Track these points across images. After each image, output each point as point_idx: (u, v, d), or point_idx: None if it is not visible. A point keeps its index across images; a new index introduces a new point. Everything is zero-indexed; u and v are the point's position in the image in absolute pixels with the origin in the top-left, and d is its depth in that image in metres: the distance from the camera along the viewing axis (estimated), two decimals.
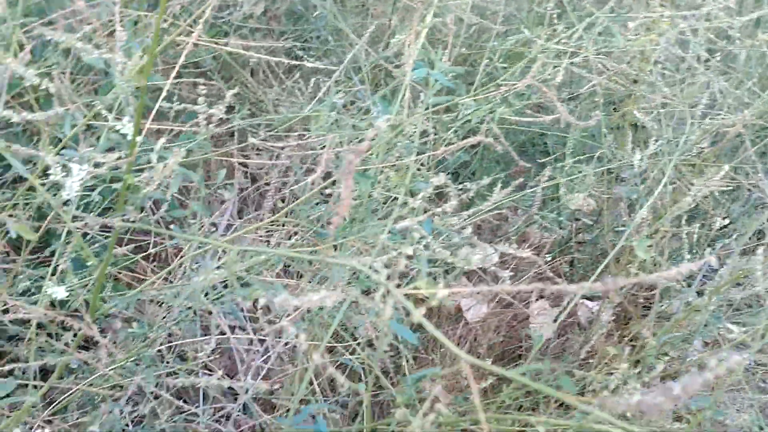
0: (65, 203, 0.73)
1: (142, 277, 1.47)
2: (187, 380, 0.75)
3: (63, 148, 0.75)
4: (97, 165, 0.73)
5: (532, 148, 1.66)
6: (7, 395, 0.80)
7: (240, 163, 1.34)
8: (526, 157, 1.72)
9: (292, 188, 1.01)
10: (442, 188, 0.79)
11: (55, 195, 0.84)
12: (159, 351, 0.97)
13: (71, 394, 1.01)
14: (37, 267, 1.13)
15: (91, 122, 0.83)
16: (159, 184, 0.75)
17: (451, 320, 1.67)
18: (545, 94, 0.79)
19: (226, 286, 0.99)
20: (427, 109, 0.83)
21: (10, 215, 0.94)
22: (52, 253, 0.96)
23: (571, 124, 0.99)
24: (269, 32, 1.68)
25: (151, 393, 1.03)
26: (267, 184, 1.29)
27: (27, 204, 1.01)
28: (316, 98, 1.04)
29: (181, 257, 1.00)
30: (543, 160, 1.34)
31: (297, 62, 0.96)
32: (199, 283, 0.61)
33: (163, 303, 1.12)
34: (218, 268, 0.76)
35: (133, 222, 0.76)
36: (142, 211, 1.10)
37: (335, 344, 1.03)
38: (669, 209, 0.96)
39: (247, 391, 1.04)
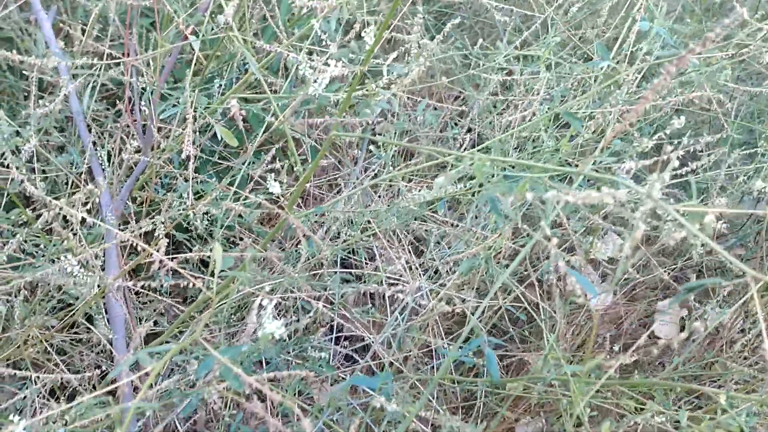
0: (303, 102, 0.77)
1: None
2: (380, 288, 0.78)
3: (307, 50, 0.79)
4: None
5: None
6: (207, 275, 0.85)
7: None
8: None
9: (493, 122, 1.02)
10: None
11: (266, 105, 0.88)
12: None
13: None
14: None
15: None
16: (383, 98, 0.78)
17: (573, 306, 1.65)
18: None
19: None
20: (644, 61, 0.83)
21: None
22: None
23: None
24: None
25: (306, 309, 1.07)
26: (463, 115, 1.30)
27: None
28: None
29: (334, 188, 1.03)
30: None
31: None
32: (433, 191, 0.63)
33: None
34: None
35: (347, 133, 0.79)
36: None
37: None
38: None
39: (396, 326, 1.07)
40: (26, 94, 1.49)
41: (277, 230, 0.85)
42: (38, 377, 0.71)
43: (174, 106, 0.97)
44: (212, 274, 0.74)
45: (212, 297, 0.70)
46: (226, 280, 0.79)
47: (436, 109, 1.61)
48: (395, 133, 1.45)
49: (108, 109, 1.40)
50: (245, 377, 0.58)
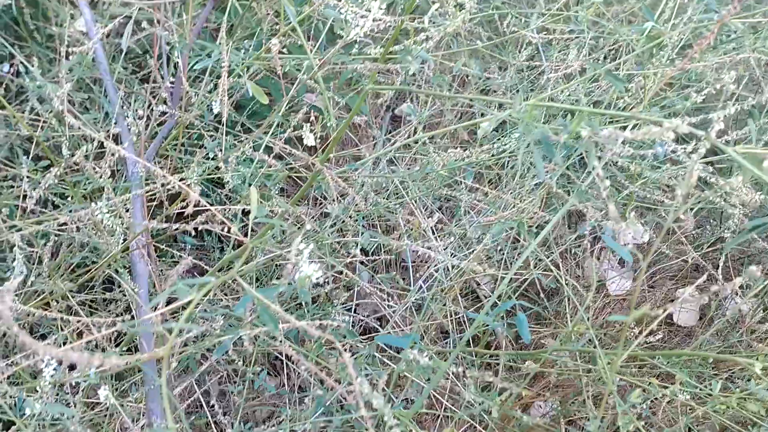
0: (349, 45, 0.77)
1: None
2: (411, 244, 0.76)
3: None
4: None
5: None
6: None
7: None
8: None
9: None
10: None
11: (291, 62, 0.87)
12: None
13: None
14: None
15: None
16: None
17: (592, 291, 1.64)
18: None
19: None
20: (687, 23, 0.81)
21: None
22: None
23: None
24: None
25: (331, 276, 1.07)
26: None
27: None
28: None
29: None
30: None
31: None
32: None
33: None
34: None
35: (386, 85, 0.78)
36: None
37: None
38: None
39: (420, 294, 1.06)
40: (51, 60, 1.49)
41: (310, 185, 0.85)
42: (68, 320, 0.71)
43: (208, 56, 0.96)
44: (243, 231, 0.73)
45: (246, 242, 0.69)
46: (261, 231, 0.79)
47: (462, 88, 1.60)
48: (433, 87, 1.43)
49: (134, 73, 1.40)
50: (284, 315, 0.57)
